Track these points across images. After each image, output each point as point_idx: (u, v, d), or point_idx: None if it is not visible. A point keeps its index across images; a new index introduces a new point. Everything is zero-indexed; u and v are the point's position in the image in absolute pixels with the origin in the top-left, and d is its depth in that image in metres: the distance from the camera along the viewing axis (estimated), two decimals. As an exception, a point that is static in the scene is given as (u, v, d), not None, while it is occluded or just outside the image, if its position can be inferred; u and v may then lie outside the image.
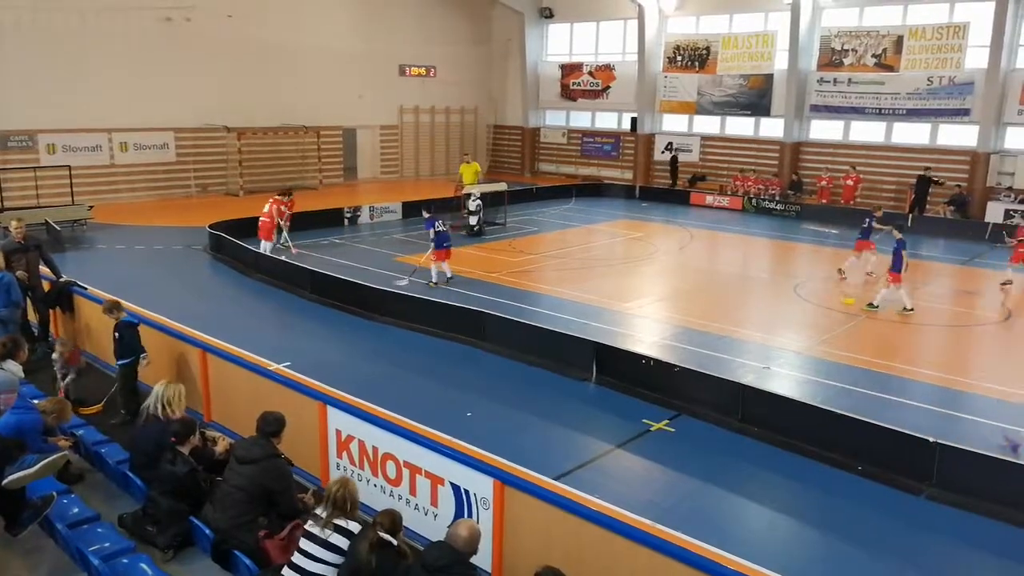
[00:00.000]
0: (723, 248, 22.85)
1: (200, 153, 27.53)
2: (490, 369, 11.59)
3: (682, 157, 32.16)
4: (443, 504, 6.58)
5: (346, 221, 22.98)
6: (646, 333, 13.60)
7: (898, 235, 15.23)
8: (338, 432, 7.44)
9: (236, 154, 27.57)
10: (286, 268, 15.97)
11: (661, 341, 13.06)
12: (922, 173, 25.24)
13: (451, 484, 6.50)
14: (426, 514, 6.73)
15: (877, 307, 14.92)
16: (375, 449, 7.11)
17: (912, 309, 14.85)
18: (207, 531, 5.64)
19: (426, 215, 16.67)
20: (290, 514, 5.82)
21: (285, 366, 10.63)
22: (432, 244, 16.01)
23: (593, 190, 31.61)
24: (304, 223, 21.47)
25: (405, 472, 6.89)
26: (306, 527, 5.17)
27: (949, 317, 15.15)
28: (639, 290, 16.83)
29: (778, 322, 14.67)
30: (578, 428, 9.68)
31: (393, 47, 32.97)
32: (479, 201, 21.95)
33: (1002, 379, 11.58)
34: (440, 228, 16.01)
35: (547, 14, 35.64)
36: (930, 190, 25.10)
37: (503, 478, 6.22)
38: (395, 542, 4.83)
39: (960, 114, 25.53)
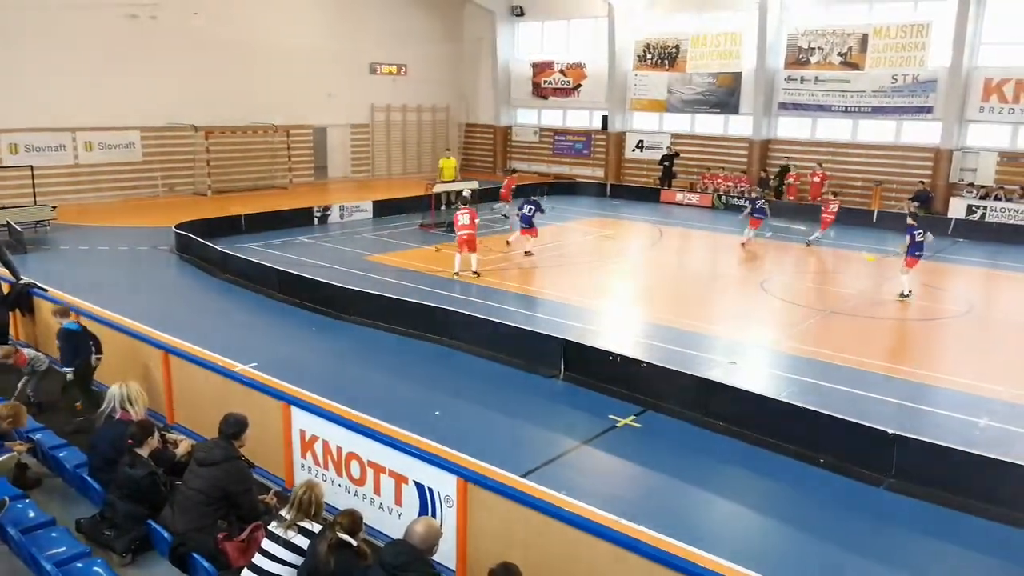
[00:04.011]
0: (692, 245, 23.04)
1: (167, 152, 27.16)
2: (458, 368, 11.58)
3: (652, 155, 32.31)
4: (407, 503, 6.57)
5: (316, 220, 22.82)
6: (615, 330, 13.67)
7: (911, 221, 16.31)
8: (302, 432, 7.39)
9: (204, 153, 27.25)
10: (253, 268, 15.83)
11: (630, 338, 13.12)
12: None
13: (415, 483, 6.49)
14: (390, 513, 6.72)
15: (907, 295, 15.67)
16: (339, 449, 7.08)
17: (908, 294, 15.61)
18: (165, 534, 5.58)
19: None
20: (251, 516, 5.78)
21: (251, 367, 10.54)
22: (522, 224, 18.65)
23: (565, 188, 31.67)
24: (273, 223, 21.33)
25: (369, 472, 6.87)
26: (268, 528, 5.15)
27: (913, 311, 15.40)
28: (609, 287, 16.91)
29: (745, 318, 14.83)
30: (545, 425, 9.70)
31: (364, 45, 32.78)
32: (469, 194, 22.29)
33: (964, 372, 11.81)
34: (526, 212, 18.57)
35: (518, 12, 35.64)
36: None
37: (466, 476, 6.23)
38: (354, 542, 4.82)
39: (923, 112, 25.98)
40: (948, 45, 24.90)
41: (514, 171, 28.13)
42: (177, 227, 18.84)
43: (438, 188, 23.64)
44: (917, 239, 15.72)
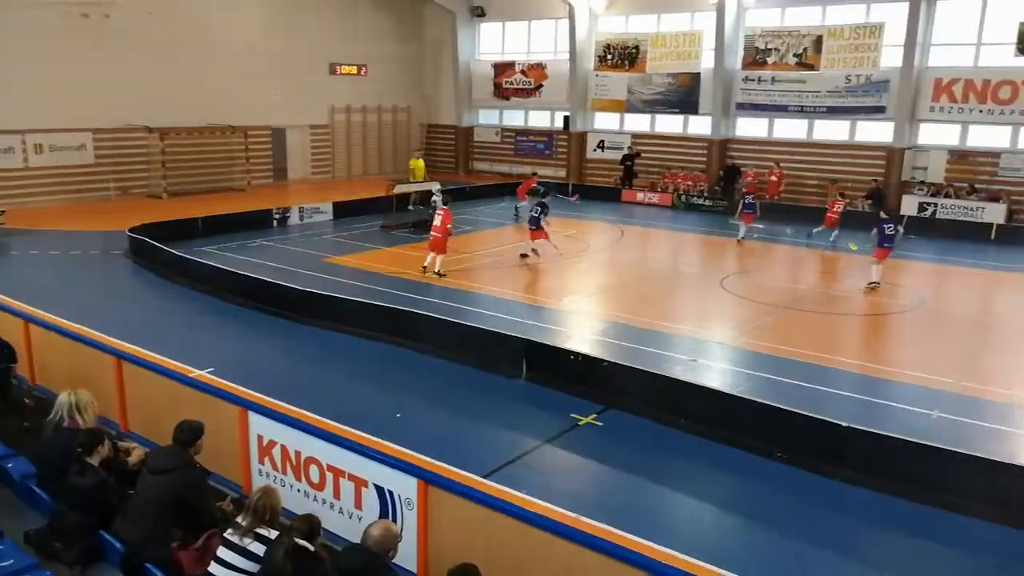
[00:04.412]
0: (653, 244, 23.25)
1: (120, 154, 26.57)
2: (420, 369, 11.53)
3: (614, 155, 32.53)
4: (367, 507, 6.52)
5: (275, 223, 22.53)
6: (577, 329, 13.73)
7: (884, 215, 17.21)
8: (260, 437, 7.29)
9: (159, 155, 26.72)
10: (210, 272, 15.57)
11: (592, 336, 13.20)
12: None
13: (375, 486, 6.45)
14: (350, 517, 6.66)
15: (875, 284, 16.44)
16: (298, 454, 7.00)
17: (876, 284, 16.40)
18: (117, 545, 5.45)
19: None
20: (207, 524, 5.67)
21: (207, 372, 10.37)
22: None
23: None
24: (230, 225, 21.00)
25: (328, 476, 6.81)
26: (225, 535, 5.06)
27: (867, 306, 15.73)
28: (571, 287, 16.98)
29: (705, 315, 15.02)
30: (507, 425, 9.71)
31: (323, 45, 32.47)
32: (440, 196, 22.38)
33: (916, 365, 12.09)
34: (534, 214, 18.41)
35: (479, 13, 35.62)
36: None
37: (427, 478, 6.21)
38: (312, 547, 4.76)
39: (876, 112, 26.55)
40: (900, 46, 25.49)
41: (534, 173, 28.13)
42: (131, 231, 18.45)
43: (399, 189, 23.51)
44: (887, 232, 16.53)
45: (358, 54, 34.08)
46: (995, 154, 24.97)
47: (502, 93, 36.17)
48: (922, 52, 25.57)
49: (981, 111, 24.84)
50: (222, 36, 28.46)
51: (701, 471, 8.81)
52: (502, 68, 35.88)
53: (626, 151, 31.79)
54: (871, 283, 16.54)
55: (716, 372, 11.65)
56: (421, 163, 27.46)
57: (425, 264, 16.77)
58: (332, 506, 6.81)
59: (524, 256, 18.69)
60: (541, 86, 34.82)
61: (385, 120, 36.13)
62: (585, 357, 10.74)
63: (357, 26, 33.91)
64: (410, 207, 24.29)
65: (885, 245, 16.60)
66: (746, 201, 22.06)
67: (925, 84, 25.71)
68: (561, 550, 5.34)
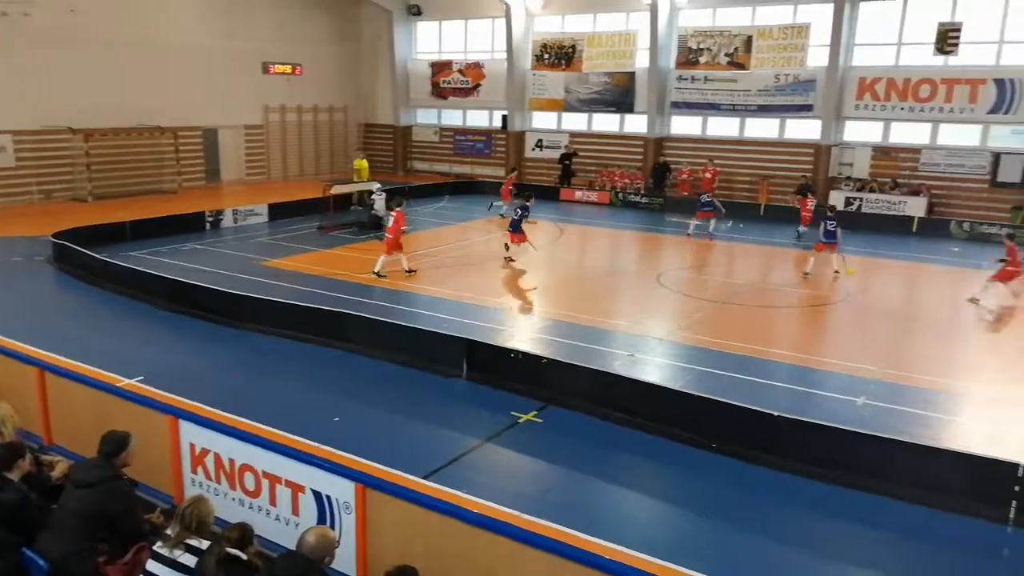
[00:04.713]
0: (592, 241, 23.49)
1: (42, 157, 25.54)
2: (359, 372, 11.40)
3: (553, 154, 32.75)
4: (304, 513, 6.42)
5: (208, 225, 21.96)
6: (518, 327, 13.78)
7: (829, 212, 18.23)
8: (192, 446, 7.11)
9: (83, 157, 25.78)
10: (139, 277, 15.08)
11: (532, 334, 13.26)
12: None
13: (312, 491, 6.36)
14: (287, 524, 6.55)
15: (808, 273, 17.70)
16: (232, 461, 6.85)
17: (809, 273, 17.52)
18: (41, 562, 5.24)
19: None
20: (135, 537, 5.51)
21: (136, 381, 10.06)
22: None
23: (467, 188, 31.73)
24: (161, 229, 20.40)
25: (264, 483, 6.68)
26: (154, 548, 4.93)
27: (796, 298, 16.21)
28: (511, 285, 17.03)
29: (643, 311, 15.24)
30: (448, 425, 9.68)
31: (256, 44, 31.81)
32: (380, 196, 22.36)
33: (844, 354, 12.52)
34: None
35: (415, 11, 35.42)
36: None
37: (365, 481, 6.15)
38: (244, 556, 4.67)
39: (804, 110, 27.37)
40: (826, 47, 26.31)
41: (514, 169, 28.34)
42: (55, 235, 17.74)
43: (336, 189, 23.21)
44: (829, 228, 17.47)
45: (293, 53, 33.51)
46: (916, 150, 26.01)
47: (440, 92, 36.04)
48: (846, 52, 26.46)
49: (902, 109, 25.85)
50: (150, 34, 27.62)
51: (640, 464, 8.94)
52: (439, 67, 35.76)
53: (563, 150, 32.06)
54: (805, 272, 17.57)
55: (654, 366, 11.84)
56: (365, 163, 27.23)
57: (406, 268, 16.84)
58: (268, 513, 6.69)
59: (510, 260, 18.62)
60: (479, 85, 34.82)
61: (321, 120, 35.63)
62: (525, 355, 10.80)
63: (290, 25, 33.33)
64: (354, 207, 24.01)
65: (824, 240, 17.56)
66: (703, 199, 22.76)
67: (849, 83, 26.62)
68: (503, 548, 5.36)
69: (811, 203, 22.62)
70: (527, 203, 19.04)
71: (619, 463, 8.91)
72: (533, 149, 33.94)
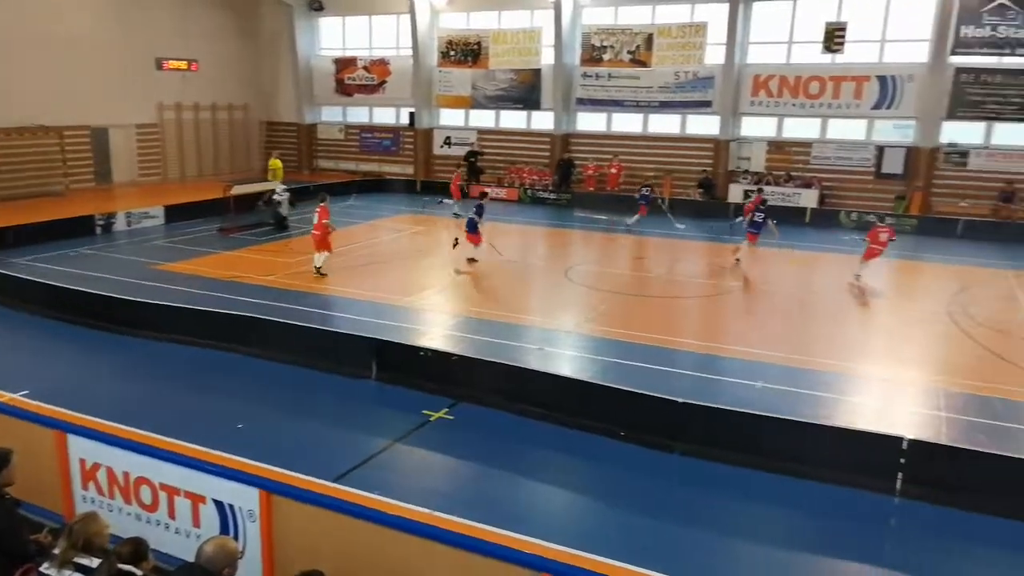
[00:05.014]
0: (501, 238, 23.47)
1: (-89, 159, 23.71)
2: (264, 377, 11.06)
3: (461, 152, 32.67)
4: (206, 524, 6.18)
5: (98, 229, 20.85)
6: (429, 325, 13.70)
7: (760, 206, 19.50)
8: (82, 461, 6.73)
9: (-42, 160, 24.08)
10: (21, 285, 14.17)
11: (443, 332, 13.21)
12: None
13: (213, 501, 6.12)
14: (188, 536, 6.28)
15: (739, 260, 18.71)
16: (126, 475, 6.52)
17: (739, 261, 18.64)
18: (-89, 593, 4.87)
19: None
20: (20, 557, 5.18)
21: (21, 395, 9.46)
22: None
23: (374, 186, 31.32)
24: (47, 234, 19.25)
25: (162, 495, 6.39)
26: (41, 569, 4.65)
27: (699, 289, 16.73)
28: (422, 283, 16.90)
29: (552, 305, 15.41)
30: (357, 427, 9.53)
31: (148, 38, 30.38)
32: (284, 196, 21.84)
33: (744, 341, 13.00)
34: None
35: (317, 7, 34.62)
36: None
37: (269, 487, 5.98)
38: (139, 572, 4.45)
39: (703, 106, 28.26)
40: (722, 45, 27.22)
41: (459, 165, 28.12)
42: (-75, 244, 16.49)
43: (237, 190, 22.46)
44: (756, 219, 18.62)
45: (188, 48, 32.19)
46: (807, 144, 27.26)
47: (345, 89, 35.40)
48: (741, 50, 27.45)
49: (794, 105, 27.03)
50: (34, 28, 25.95)
51: (551, 456, 9.02)
52: (344, 64, 35.11)
53: (470, 148, 32.12)
54: (736, 258, 18.78)
55: (563, 359, 11.99)
56: (279, 163, 26.51)
57: (318, 265, 16.58)
58: (168, 527, 6.41)
59: (472, 260, 18.40)
60: (385, 82, 34.39)
61: (220, 118, 34.39)
62: (435, 353, 10.74)
63: (185, 19, 32.01)
64: (261, 205, 23.26)
65: (752, 230, 18.64)
66: (641, 193, 23.74)
67: (745, 80, 27.64)
68: (414, 547, 5.31)
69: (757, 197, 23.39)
70: (482, 203, 18.96)
71: (531, 456, 8.98)
72: (441, 146, 33.78)
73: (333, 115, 36.62)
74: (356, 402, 10.29)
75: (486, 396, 9.99)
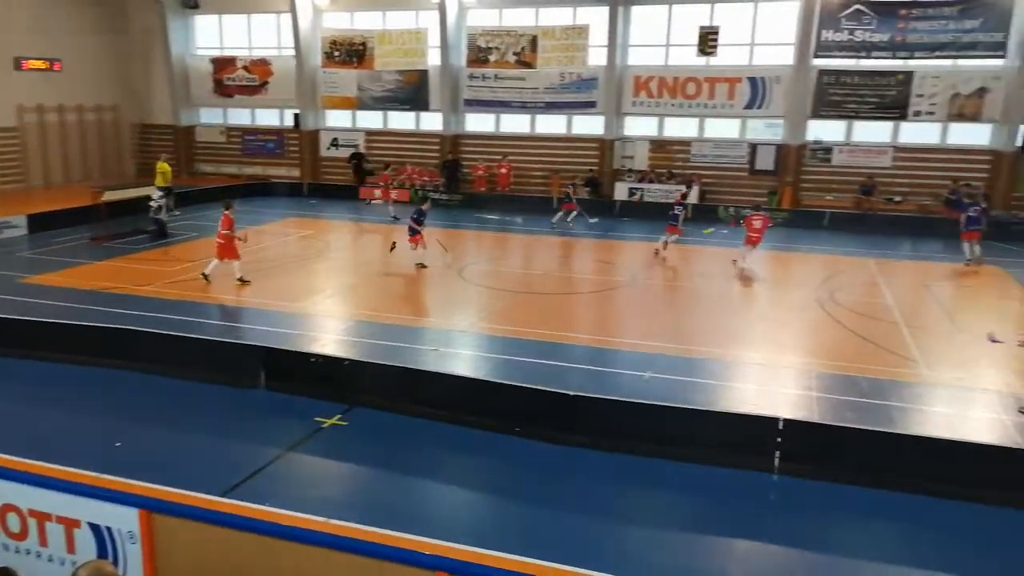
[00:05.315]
0: (391, 239, 23.29)
1: None
2: (144, 392, 10.54)
3: (349, 153, 32.17)
4: (81, 549, 5.83)
5: (-48, 242, 19.32)
6: (320, 331, 13.41)
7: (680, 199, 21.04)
8: (-64, 492, 6.21)
9: None
10: None
11: (335, 337, 12.98)
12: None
13: (89, 525, 5.78)
14: (63, 564, 5.92)
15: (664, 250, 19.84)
16: (-10, 503, 6.07)
17: (663, 249, 19.95)
18: None
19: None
20: None
21: None
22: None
23: (260, 190, 30.34)
24: None
25: (31, 522, 5.98)
26: None
27: (588, 285, 17.14)
28: (311, 288, 16.53)
29: (446, 305, 15.41)
30: (246, 438, 9.23)
31: (4, 37, 28.27)
32: (161, 201, 20.93)
33: (632, 333, 13.42)
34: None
35: (191, 4, 33.19)
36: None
37: (151, 506, 5.70)
38: (6, 605, 4.16)
39: (588, 106, 28.95)
40: (604, 47, 27.95)
41: (387, 166, 27.46)
42: None
43: (108, 196, 21.25)
44: (676, 212, 19.99)
45: (50, 46, 30.18)
46: (687, 143, 28.41)
47: (224, 90, 34.12)
48: (622, 52, 28.29)
49: (673, 105, 28.10)
50: None
51: (448, 456, 9.04)
52: (222, 64, 33.83)
53: (354, 149, 31.74)
54: (663, 246, 19.87)
55: (459, 359, 12.02)
56: (167, 167, 25.02)
57: (205, 271, 16.04)
58: (39, 555, 6.01)
59: (421, 266, 18.06)
60: (267, 83, 33.38)
61: (88, 120, 32.43)
62: (326, 358, 10.55)
63: (46, 16, 30.00)
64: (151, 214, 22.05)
65: (674, 223, 19.96)
66: (567, 190, 24.56)
67: (627, 81, 28.50)
68: (311, 556, 5.22)
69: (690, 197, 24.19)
70: (423, 207, 18.61)
71: (428, 457, 8.97)
72: (328, 148, 33.11)
73: (213, 117, 35.23)
74: (244, 413, 9.97)
75: (380, 400, 9.89)
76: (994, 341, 10.78)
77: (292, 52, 31.90)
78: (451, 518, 7.72)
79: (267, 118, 34.34)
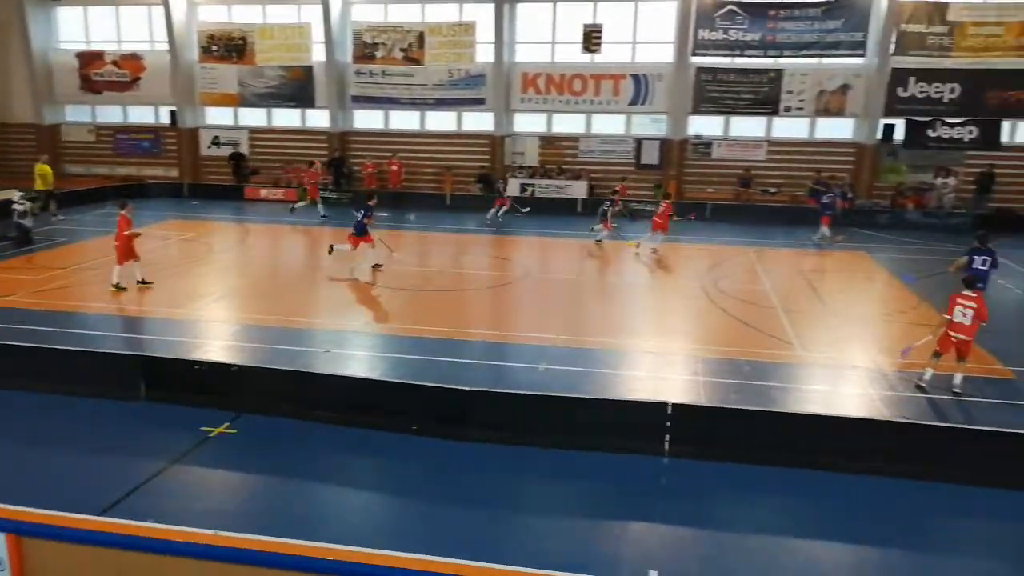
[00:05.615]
0: (282, 240, 22.69)
1: None
2: (9, 410, 9.79)
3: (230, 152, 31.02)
4: (-60, 583, 5.38)
5: None
6: (205, 337, 12.84)
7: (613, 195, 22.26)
8: None
9: None
10: None
11: (222, 342, 12.48)
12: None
13: (-53, 556, 5.34)
14: (-82, 602, 5.44)
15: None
16: None
17: (600, 241, 20.80)
18: None
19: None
20: None
21: None
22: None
23: (135, 191, 28.71)
24: None
25: None
26: None
27: (483, 280, 17.20)
28: (195, 292, 15.80)
29: (339, 306, 15.09)
30: (126, 452, 8.73)
31: None
32: (24, 205, 19.45)
33: (528, 327, 13.57)
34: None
35: (52, -6, 31.10)
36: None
37: (20, 530, 5.32)
38: None
39: (477, 103, 29.03)
40: (491, 43, 28.07)
41: (312, 163, 26.27)
42: None
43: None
44: (605, 208, 21.17)
45: None
46: (575, 138, 28.96)
47: (92, 87, 32.16)
48: (509, 49, 28.51)
49: (561, 101, 28.58)
50: None
51: (344, 459, 8.87)
52: (89, 59, 31.87)
53: (232, 150, 30.68)
54: (597, 240, 20.84)
55: (353, 359, 11.80)
56: (47, 168, 23.22)
57: (116, 282, 15.19)
58: None
59: (377, 266, 17.51)
60: (139, 79, 31.71)
61: (-64, 119, 29.86)
62: (211, 365, 10.12)
63: None
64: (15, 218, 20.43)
65: (605, 219, 20.85)
66: (497, 186, 25.20)
67: (515, 78, 28.76)
68: (202, 571, 5.04)
69: (622, 192, 24.41)
70: (370, 204, 17.97)
71: (323, 462, 8.77)
72: (209, 147, 31.77)
73: (80, 115, 33.15)
74: (124, 426, 9.42)
75: (270, 405, 9.58)
76: (906, 352, 11.36)
77: (166, 46, 30.40)
78: (350, 522, 7.58)
79: (141, 116, 32.62)
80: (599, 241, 20.91)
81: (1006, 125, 25.53)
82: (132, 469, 8.25)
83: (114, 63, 31.71)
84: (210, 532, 6.64)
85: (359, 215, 17.53)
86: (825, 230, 21.51)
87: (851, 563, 7.02)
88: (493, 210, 24.35)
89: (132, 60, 31.58)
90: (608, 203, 21.64)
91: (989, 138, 25.26)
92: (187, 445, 8.76)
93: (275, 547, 6.27)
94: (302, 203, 25.02)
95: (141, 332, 12.76)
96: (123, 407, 9.80)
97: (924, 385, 10.63)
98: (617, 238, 21.06)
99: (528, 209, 24.71)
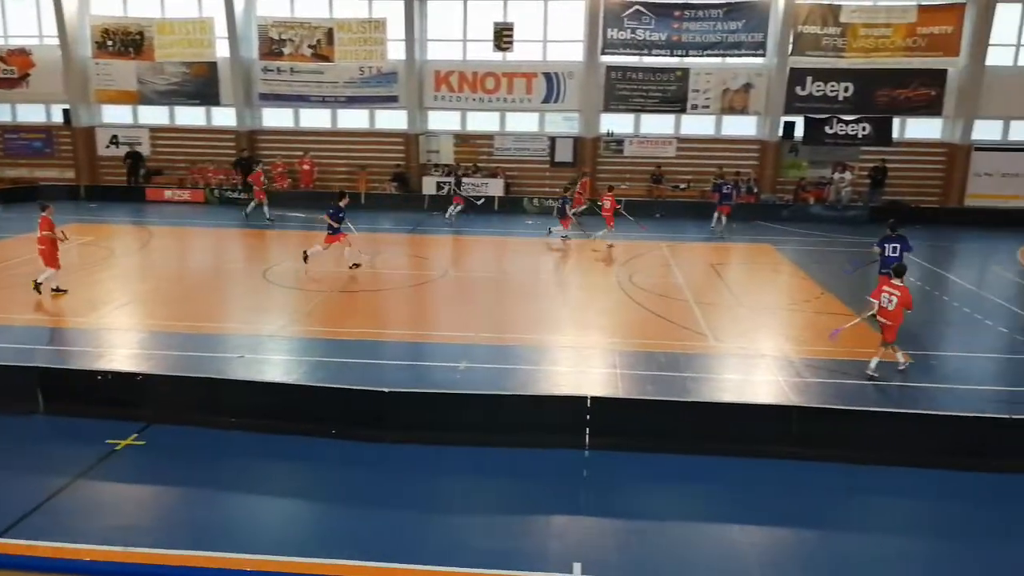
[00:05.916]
0: (189, 243, 21.87)
1: None
2: None
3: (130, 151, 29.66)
4: None
5: None
6: (109, 346, 12.21)
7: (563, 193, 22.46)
8: None
9: None
10: None
11: (128, 350, 11.91)
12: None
13: None
14: None
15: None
16: None
17: (568, 238, 20.86)
18: None
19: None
20: None
21: None
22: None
23: (26, 194, 27.13)
24: None
25: None
26: None
27: (401, 280, 17.03)
28: (97, 299, 15.03)
29: (252, 309, 14.66)
30: (25, 470, 8.24)
31: None
32: None
33: (447, 326, 13.51)
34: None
35: (-75, -16, 29.00)
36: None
37: (-97, 559, 4.96)
38: None
39: (390, 101, 28.70)
40: (402, 41, 27.78)
41: (258, 162, 25.55)
42: None
43: None
44: (564, 205, 21.23)
45: None
46: (489, 136, 29.00)
47: (-26, 84, 30.17)
48: (421, 46, 28.29)
49: (474, 99, 28.56)
50: None
51: (259, 466, 8.61)
52: (-30, 54, 29.88)
53: (128, 150, 29.45)
54: (563, 237, 21.05)
55: (268, 364, 11.47)
56: None
57: (38, 280, 14.67)
58: None
59: (355, 265, 17.37)
60: (28, 75, 29.93)
61: None
62: (115, 375, 9.66)
63: None
64: None
65: (570, 213, 21.03)
66: (452, 185, 25.08)
67: (427, 75, 28.56)
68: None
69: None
70: (340, 204, 17.49)
71: (239, 470, 8.50)
72: (108, 146, 30.29)
73: (-38, 114, 31.06)
74: (20, 442, 8.89)
75: (181, 414, 9.23)
76: (834, 335, 11.63)
77: (56, 41, 28.80)
78: (269, 530, 7.37)
79: (31, 114, 30.79)
80: (566, 238, 20.94)
81: (896, 122, 27.02)
82: (32, 486, 7.79)
83: (1, 59, 29.84)
84: (119, 549, 6.41)
85: (329, 214, 17.32)
86: (723, 219, 22.87)
87: (767, 544, 7.29)
88: (451, 208, 24.17)
89: (20, 55, 29.79)
90: (562, 200, 21.55)
91: (881, 134, 26.68)
92: (92, 459, 8.34)
93: (192, 561, 6.10)
94: (252, 204, 24.14)
95: (39, 343, 12.07)
96: (21, 422, 9.26)
97: (873, 374, 11.05)
98: (583, 236, 21.12)
99: (483, 200, 25.08)
